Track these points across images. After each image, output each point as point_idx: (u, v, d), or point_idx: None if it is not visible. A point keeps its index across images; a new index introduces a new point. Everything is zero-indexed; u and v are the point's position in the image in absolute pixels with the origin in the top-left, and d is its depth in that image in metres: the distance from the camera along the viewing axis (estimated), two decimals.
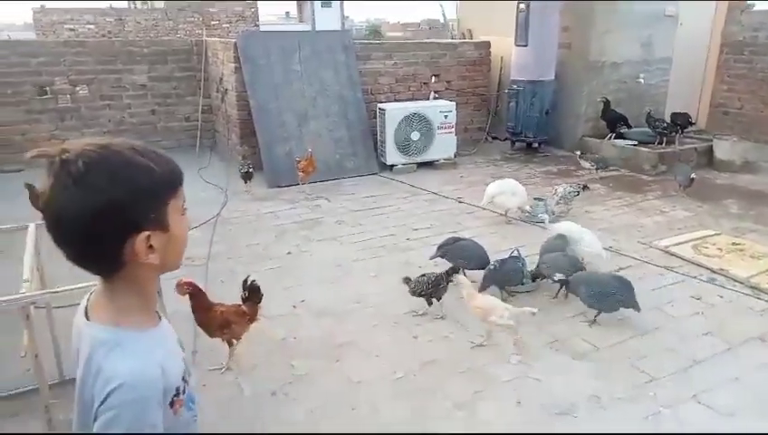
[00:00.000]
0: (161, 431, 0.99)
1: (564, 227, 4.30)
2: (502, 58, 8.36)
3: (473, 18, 9.97)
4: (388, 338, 3.39)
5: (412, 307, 3.67)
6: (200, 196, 5.86)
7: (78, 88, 7.30)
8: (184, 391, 1.08)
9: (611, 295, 3.42)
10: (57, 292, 1.77)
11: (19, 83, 6.99)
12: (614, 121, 7.32)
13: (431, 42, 8.42)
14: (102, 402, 0.94)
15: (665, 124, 7.14)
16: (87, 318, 1.07)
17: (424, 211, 5.62)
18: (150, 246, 1.00)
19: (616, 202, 5.90)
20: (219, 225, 5.20)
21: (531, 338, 3.35)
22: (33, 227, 2.43)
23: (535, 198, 5.42)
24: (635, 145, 7.16)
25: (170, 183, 1.04)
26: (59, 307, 2.88)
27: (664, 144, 7.10)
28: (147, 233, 0.99)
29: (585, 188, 5.44)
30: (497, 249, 4.37)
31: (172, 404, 1.04)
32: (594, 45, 7.48)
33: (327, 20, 14.78)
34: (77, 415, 1.05)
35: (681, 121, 7.29)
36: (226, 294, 3.16)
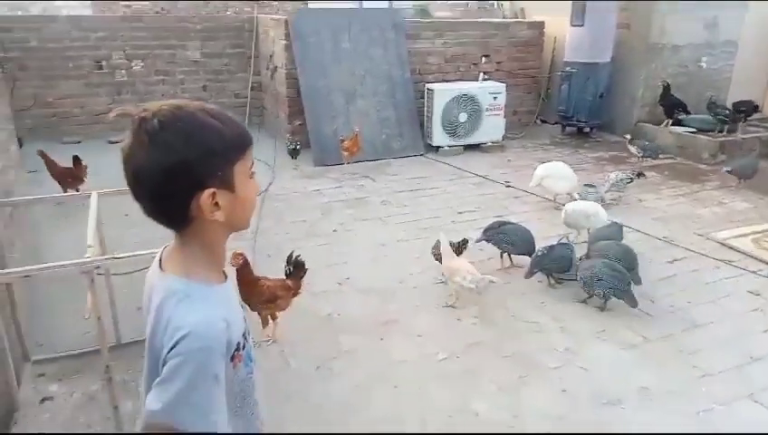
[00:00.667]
0: (223, 381, 1.03)
1: (580, 205, 4.29)
2: (555, 38, 8.11)
3: None
4: (431, 319, 3.39)
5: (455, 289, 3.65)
6: None
7: (133, 63, 7.51)
8: (244, 347, 1.13)
9: (599, 281, 3.34)
10: (120, 258, 1.83)
11: (79, 57, 7.24)
12: (672, 107, 7.01)
13: (483, 21, 8.23)
14: (171, 350, 0.99)
15: (727, 111, 6.79)
16: (161, 269, 1.11)
17: (470, 194, 5.56)
18: (216, 204, 1.04)
19: (671, 191, 5.68)
20: (266, 201, 5.28)
21: (578, 327, 3.29)
22: (95, 196, 2.52)
23: (585, 185, 5.27)
24: (694, 132, 6.85)
25: (238, 145, 1.07)
26: (116, 274, 3.00)
27: (725, 132, 6.76)
28: (212, 190, 1.03)
29: (640, 175, 5.25)
30: (545, 235, 4.29)
31: (232, 358, 1.08)
32: (655, 26, 7.14)
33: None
34: (147, 362, 1.10)
35: (746, 108, 6.91)
36: (273, 269, 3.21)
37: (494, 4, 11.30)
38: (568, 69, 7.45)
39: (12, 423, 2.35)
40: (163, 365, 1.00)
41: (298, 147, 6.16)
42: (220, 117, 1.05)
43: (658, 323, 3.33)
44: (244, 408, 1.18)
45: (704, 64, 7.44)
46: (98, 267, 1.89)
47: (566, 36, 7.54)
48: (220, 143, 1.03)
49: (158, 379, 1.00)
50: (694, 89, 7.34)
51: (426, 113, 7.01)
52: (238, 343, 1.10)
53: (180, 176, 1.00)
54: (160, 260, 1.13)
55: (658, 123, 7.18)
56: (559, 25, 7.81)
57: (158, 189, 1.02)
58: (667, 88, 6.96)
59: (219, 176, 1.04)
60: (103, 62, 7.37)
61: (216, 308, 1.05)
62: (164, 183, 1.00)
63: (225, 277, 1.16)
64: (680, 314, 3.42)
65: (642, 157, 6.34)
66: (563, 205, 4.51)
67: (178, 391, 0.98)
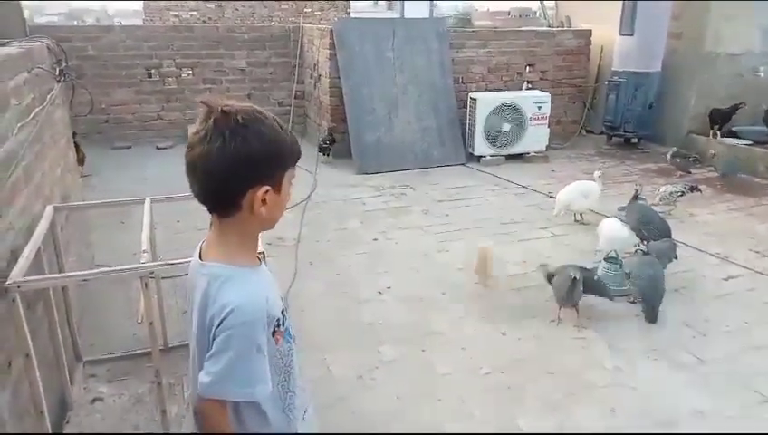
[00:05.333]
0: (266, 352, 1.17)
1: (613, 233, 3.97)
2: (602, 47, 7.93)
3: (572, 4, 9.51)
4: (474, 332, 3.33)
5: (499, 302, 3.59)
6: None
7: (183, 71, 7.73)
8: (283, 324, 1.25)
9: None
10: (174, 263, 1.86)
11: (131, 66, 7.50)
12: (724, 117, 6.75)
13: (529, 30, 8.13)
14: (219, 325, 1.13)
15: None
16: (200, 259, 1.24)
17: (512, 205, 5.47)
18: (264, 201, 1.17)
19: (724, 205, 5.45)
20: (308, 208, 5.33)
21: (627, 344, 3.18)
22: (149, 201, 2.59)
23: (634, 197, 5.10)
24: (749, 144, 6.57)
25: (293, 155, 1.23)
26: (165, 278, 3.06)
27: None
28: (267, 188, 1.16)
29: (694, 189, 5.05)
30: (589, 249, 4.19)
31: (273, 334, 1.21)
32: (709, 34, 6.90)
33: (416, 8, 14.70)
34: (194, 339, 1.23)
35: None
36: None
37: (536, 12, 11.16)
38: (616, 78, 7.27)
39: (65, 423, 2.41)
40: (213, 338, 1.14)
41: (327, 143, 6.68)
42: (284, 128, 1.20)
43: (713, 343, 3.19)
44: (289, 381, 1.30)
45: (762, 73, 7.14)
46: (152, 273, 1.93)
47: (614, 45, 7.37)
48: (283, 149, 1.19)
49: (208, 353, 1.15)
50: (750, 99, 7.03)
51: (468, 122, 6.96)
52: (278, 319, 1.22)
53: (247, 168, 1.13)
54: (200, 253, 1.26)
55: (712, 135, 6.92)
56: (606, 34, 7.64)
57: (222, 176, 1.13)
58: (735, 107, 6.69)
59: (274, 177, 1.18)
60: (153, 71, 7.61)
61: (255, 286, 1.19)
62: (229, 171, 1.12)
63: (260, 261, 1.29)
64: (737, 335, 3.27)
65: (678, 169, 6.25)
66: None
67: (227, 362, 1.12)
